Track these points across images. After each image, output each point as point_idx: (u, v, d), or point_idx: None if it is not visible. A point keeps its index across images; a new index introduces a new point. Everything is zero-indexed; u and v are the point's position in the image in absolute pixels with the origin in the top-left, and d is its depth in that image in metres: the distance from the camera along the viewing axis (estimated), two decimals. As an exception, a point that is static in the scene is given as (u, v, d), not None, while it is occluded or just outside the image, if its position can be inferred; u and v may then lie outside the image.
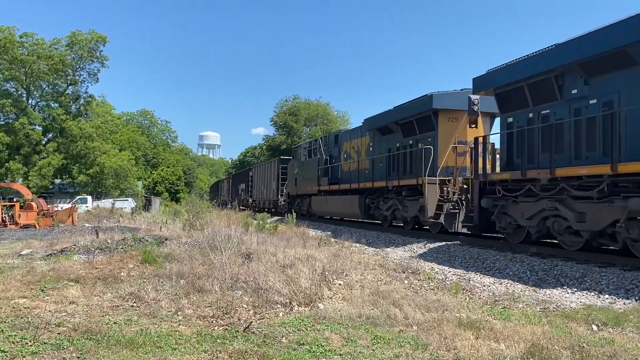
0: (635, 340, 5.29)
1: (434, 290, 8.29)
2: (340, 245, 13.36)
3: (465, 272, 10.01)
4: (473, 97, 12.79)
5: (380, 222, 18.20)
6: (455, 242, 13.32)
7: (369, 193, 18.16)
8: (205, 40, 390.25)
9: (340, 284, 7.99)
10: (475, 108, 12.65)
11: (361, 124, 19.54)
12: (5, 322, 5.46)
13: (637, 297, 7.41)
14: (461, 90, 14.48)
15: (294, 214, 22.57)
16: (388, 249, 13.93)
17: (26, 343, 4.78)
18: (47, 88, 46.37)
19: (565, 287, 8.41)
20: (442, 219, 13.80)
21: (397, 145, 16.76)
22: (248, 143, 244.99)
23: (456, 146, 14.41)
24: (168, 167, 75.42)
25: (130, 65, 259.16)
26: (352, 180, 19.51)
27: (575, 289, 8.23)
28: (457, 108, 14.32)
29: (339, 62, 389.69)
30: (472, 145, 13.00)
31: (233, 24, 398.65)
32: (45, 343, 4.79)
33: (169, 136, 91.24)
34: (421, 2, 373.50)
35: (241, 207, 38.20)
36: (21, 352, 4.54)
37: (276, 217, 27.55)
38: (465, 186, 13.42)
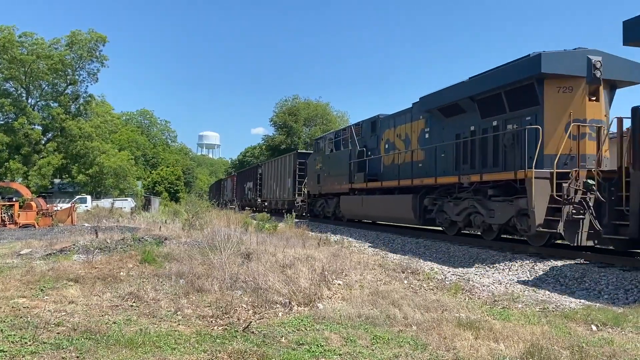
0: (635, 341, 5.29)
1: (433, 290, 8.28)
2: (339, 245, 13.35)
3: (464, 272, 10.00)
4: (594, 58, 10.12)
5: (443, 229, 14.46)
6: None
7: (426, 192, 14.48)
8: (205, 40, 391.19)
9: (339, 284, 7.99)
10: (598, 74, 9.92)
11: (410, 106, 15.87)
12: (4, 321, 5.46)
13: (636, 298, 7.42)
14: (574, 49, 10.76)
15: (294, 214, 21.84)
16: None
17: (25, 343, 4.77)
18: (46, 88, 46.41)
19: (564, 287, 8.42)
20: (560, 228, 9.78)
21: (472, 128, 12.82)
22: (247, 143, 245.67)
23: (578, 125, 10.42)
24: (167, 167, 75.50)
25: (130, 65, 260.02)
26: (402, 176, 15.55)
27: (575, 289, 8.24)
28: (571, 73, 10.52)
29: (339, 62, 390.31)
30: (596, 125, 10.40)
31: (233, 24, 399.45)
32: (44, 343, 4.79)
33: (169, 136, 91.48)
34: (421, 2, 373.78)
35: (246, 208, 35.08)
36: (20, 351, 4.54)
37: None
38: (590, 181, 9.77)
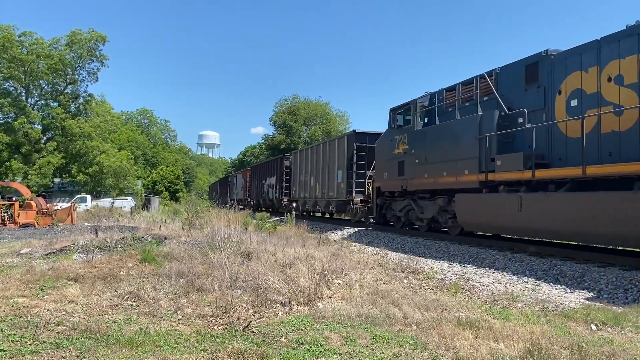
0: (634, 340, 5.29)
1: (433, 289, 8.29)
2: (339, 245, 13.35)
3: (464, 271, 10.00)
4: None
5: None
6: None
7: None
8: (205, 40, 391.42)
9: (339, 284, 7.99)
10: None
11: None
12: (4, 321, 5.46)
13: (636, 297, 7.42)
14: None
15: (293, 214, 20.76)
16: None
17: (25, 342, 4.78)
18: (46, 87, 46.34)
19: (564, 287, 8.42)
20: None
21: None
22: (247, 142, 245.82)
23: None
24: (167, 167, 75.50)
25: (129, 65, 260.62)
26: None
27: (575, 289, 8.24)
28: None
29: (339, 62, 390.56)
30: None
31: (233, 24, 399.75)
32: (44, 342, 4.79)
33: (168, 135, 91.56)
34: (421, 2, 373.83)
35: (262, 209, 31.23)
36: (20, 351, 4.54)
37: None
38: None
